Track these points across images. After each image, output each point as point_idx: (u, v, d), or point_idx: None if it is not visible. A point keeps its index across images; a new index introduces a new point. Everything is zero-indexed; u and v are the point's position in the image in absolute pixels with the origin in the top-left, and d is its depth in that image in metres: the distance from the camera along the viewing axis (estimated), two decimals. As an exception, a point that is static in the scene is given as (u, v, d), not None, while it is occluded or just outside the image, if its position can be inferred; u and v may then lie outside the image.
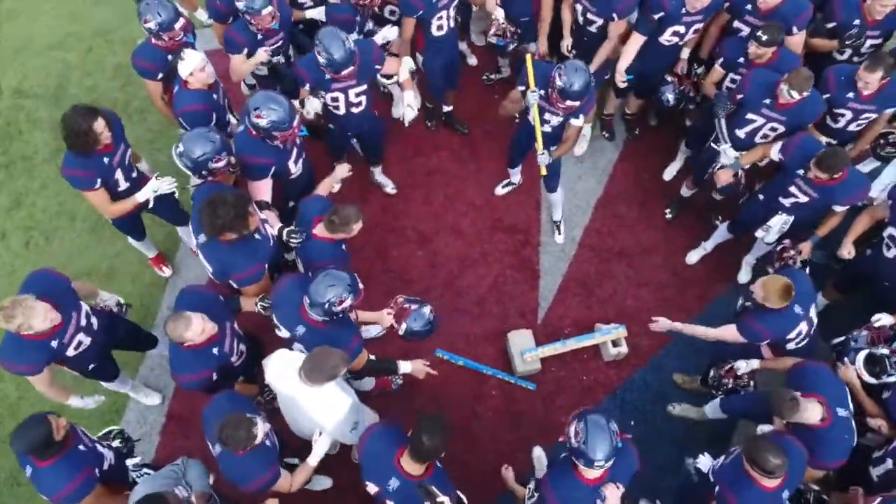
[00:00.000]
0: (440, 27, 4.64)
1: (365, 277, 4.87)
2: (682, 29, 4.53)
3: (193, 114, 4.02)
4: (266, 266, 3.68)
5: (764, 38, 4.17)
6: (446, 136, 5.70)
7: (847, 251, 4.13)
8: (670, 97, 4.94)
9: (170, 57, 4.17)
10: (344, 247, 3.78)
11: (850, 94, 4.23)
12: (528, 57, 4.20)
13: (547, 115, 4.23)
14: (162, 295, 4.94)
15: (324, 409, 3.19)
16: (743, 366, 3.85)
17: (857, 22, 4.45)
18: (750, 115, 4.29)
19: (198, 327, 3.16)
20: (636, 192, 5.49)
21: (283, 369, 3.24)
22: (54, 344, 3.39)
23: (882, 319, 3.84)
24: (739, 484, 3.06)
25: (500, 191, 5.39)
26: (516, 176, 5.29)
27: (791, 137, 4.14)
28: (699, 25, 4.55)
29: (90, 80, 5.94)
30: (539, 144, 4.30)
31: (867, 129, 4.45)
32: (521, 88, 4.22)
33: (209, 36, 5.21)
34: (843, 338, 3.95)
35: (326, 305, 3.17)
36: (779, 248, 4.34)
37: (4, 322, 3.16)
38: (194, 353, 3.25)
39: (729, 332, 3.80)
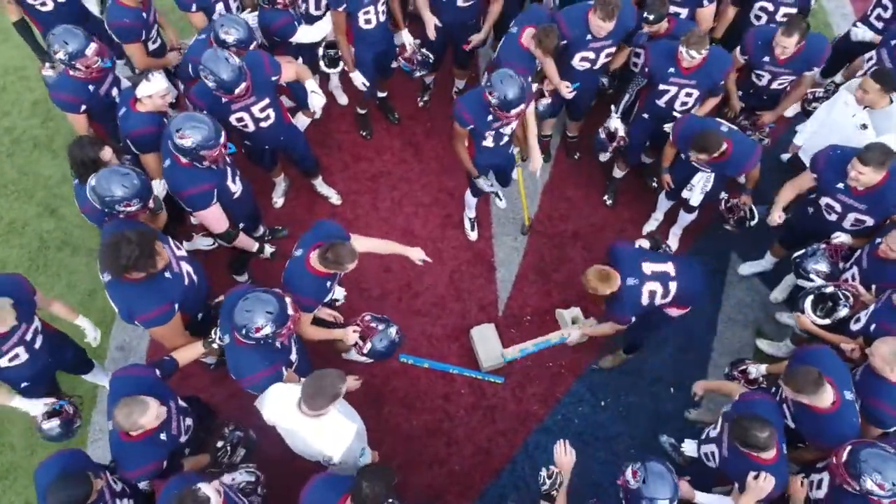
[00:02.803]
0: (368, 21, 4.54)
1: (319, 291, 4.84)
2: (591, 55, 4.48)
3: (145, 137, 3.82)
4: (176, 306, 3.38)
5: (651, 17, 4.25)
6: (386, 139, 5.62)
7: (777, 216, 4.20)
8: (605, 81, 4.99)
9: (91, 87, 3.99)
10: (329, 284, 3.53)
11: (766, 58, 4.33)
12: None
13: (504, 128, 4.10)
14: (108, 334, 4.72)
15: (329, 439, 3.06)
16: (754, 370, 3.88)
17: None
18: (661, 87, 4.37)
19: (153, 412, 2.95)
20: (580, 174, 5.51)
21: (280, 405, 3.10)
22: None
23: (840, 237, 3.98)
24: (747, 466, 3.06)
25: (473, 235, 5.17)
26: (472, 211, 5.08)
27: (675, 122, 4.26)
28: (610, 50, 4.51)
29: (7, 120, 5.66)
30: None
31: (792, 90, 4.58)
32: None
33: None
34: (802, 251, 4.07)
35: (244, 330, 3.01)
36: (725, 208, 4.50)
37: None
38: (142, 444, 3.01)
39: (607, 326, 4.07)
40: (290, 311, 3.13)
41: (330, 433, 3.07)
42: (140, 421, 2.92)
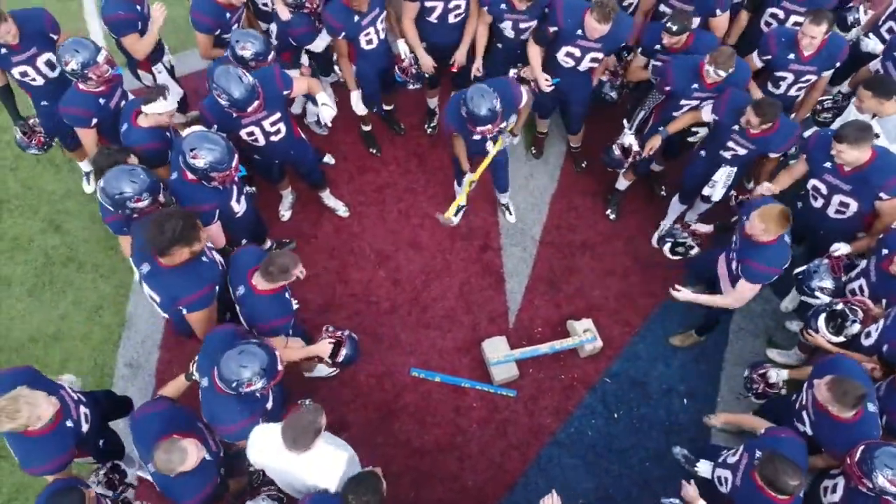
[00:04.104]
0: (369, 41, 4.54)
1: (328, 305, 4.83)
2: (576, 52, 4.42)
3: (148, 152, 3.82)
4: (217, 288, 3.46)
5: (674, 28, 4.21)
6: (391, 150, 5.59)
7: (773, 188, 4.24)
8: (613, 94, 4.96)
9: (102, 101, 3.97)
10: (288, 294, 3.55)
11: (791, 56, 4.30)
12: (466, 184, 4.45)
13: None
14: (115, 351, 4.67)
15: (322, 471, 3.00)
16: (774, 375, 3.84)
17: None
18: (683, 102, 4.35)
19: (193, 456, 2.89)
20: (589, 183, 5.49)
21: (266, 445, 3.04)
22: (70, 424, 3.14)
23: (840, 249, 3.96)
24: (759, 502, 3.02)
25: (455, 220, 5.11)
26: (464, 200, 5.09)
27: (720, 96, 4.21)
28: (597, 55, 4.44)
29: (9, 134, 5.58)
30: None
31: (807, 96, 4.57)
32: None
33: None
34: (804, 267, 4.04)
35: (233, 384, 2.96)
36: (735, 204, 4.46)
37: (9, 423, 2.86)
38: (190, 475, 2.96)
39: (742, 289, 3.81)
40: (280, 367, 3.09)
41: (321, 466, 3.00)
42: (179, 468, 2.87)
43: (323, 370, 4.49)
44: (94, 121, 4.03)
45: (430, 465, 4.36)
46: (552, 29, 4.36)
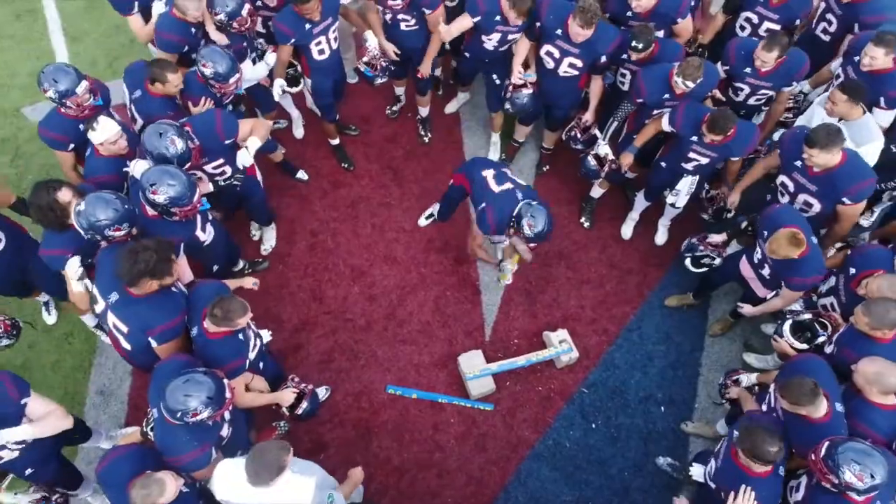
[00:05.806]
0: (321, 51, 4.52)
1: (303, 323, 4.78)
2: (555, 52, 4.43)
3: (104, 184, 3.72)
4: (186, 318, 3.41)
5: (640, 46, 4.21)
6: (364, 163, 5.56)
7: (733, 201, 4.46)
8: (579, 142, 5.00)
9: (81, 126, 3.88)
10: (242, 336, 3.40)
11: (748, 70, 4.33)
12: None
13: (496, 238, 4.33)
14: (87, 379, 4.59)
15: (290, 501, 2.95)
16: (745, 379, 3.87)
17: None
18: (656, 111, 4.36)
19: (172, 487, 2.83)
20: (563, 192, 5.49)
21: (231, 482, 2.97)
22: None
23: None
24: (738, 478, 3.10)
25: (423, 221, 5.24)
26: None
27: (676, 108, 4.24)
28: (576, 62, 4.42)
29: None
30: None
31: (771, 109, 4.62)
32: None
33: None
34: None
35: (178, 414, 2.88)
36: (706, 197, 4.64)
37: None
38: None
39: (791, 295, 3.88)
40: (228, 394, 3.02)
41: (288, 497, 2.93)
42: (159, 501, 2.81)
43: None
44: (72, 146, 3.96)
45: (409, 482, 4.32)
46: (537, 24, 4.37)
